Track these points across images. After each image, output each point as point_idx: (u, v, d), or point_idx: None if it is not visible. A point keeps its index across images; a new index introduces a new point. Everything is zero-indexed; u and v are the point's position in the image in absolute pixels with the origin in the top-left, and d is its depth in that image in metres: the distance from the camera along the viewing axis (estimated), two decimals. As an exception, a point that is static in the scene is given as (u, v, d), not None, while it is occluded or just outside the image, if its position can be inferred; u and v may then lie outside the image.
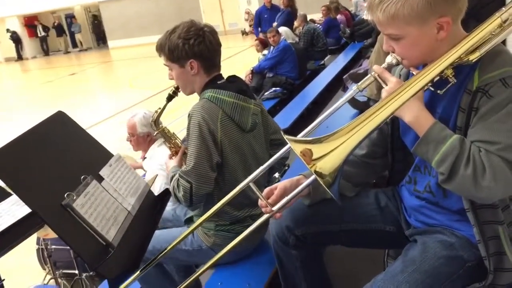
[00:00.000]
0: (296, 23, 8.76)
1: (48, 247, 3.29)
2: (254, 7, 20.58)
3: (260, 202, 1.54)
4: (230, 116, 1.99)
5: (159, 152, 3.05)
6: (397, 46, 1.38)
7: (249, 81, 6.72)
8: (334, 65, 7.88)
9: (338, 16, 10.14)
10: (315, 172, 1.22)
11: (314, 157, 1.23)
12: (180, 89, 2.12)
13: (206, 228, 2.13)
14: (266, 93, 6.53)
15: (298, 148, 1.24)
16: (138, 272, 1.39)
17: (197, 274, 1.63)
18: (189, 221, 2.23)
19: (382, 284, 1.40)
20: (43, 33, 25.33)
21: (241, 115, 2.02)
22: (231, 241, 1.58)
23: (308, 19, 10.22)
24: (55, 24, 25.38)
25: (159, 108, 2.23)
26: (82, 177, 1.34)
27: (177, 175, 1.99)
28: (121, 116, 8.48)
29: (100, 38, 25.05)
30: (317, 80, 7.00)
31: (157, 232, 2.13)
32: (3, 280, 1.28)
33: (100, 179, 1.41)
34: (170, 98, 2.16)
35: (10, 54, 24.83)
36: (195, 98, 2.16)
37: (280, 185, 1.59)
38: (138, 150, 3.25)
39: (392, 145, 1.67)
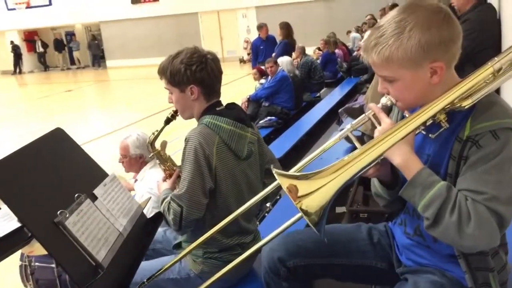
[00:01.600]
0: (294, 55, 8.87)
1: (32, 264, 3.23)
2: (254, 36, 20.85)
3: None
4: (226, 143, 2.00)
5: (150, 175, 3.04)
6: (391, 88, 1.40)
7: (244, 108, 6.76)
8: (330, 98, 7.97)
9: (336, 51, 10.30)
10: (301, 209, 1.22)
11: (300, 194, 1.23)
12: (178, 113, 2.13)
13: (195, 255, 2.11)
14: (261, 122, 6.57)
15: (284, 183, 1.25)
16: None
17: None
18: (178, 246, 2.21)
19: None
20: (41, 49, 25.42)
21: (237, 143, 2.03)
22: (220, 269, 1.57)
23: (315, 47, 10.40)
24: (58, 39, 25.53)
25: (156, 130, 2.24)
26: (76, 195, 1.33)
27: (168, 198, 1.98)
28: (115, 135, 8.45)
29: (98, 58, 24.90)
30: (313, 112, 7.06)
31: (145, 263, 2.10)
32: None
33: (94, 198, 1.41)
34: (168, 121, 2.16)
35: (7, 67, 24.83)
36: (190, 122, 2.17)
37: None
38: (130, 171, 3.24)
39: None
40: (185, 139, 1.98)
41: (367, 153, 1.28)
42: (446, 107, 1.33)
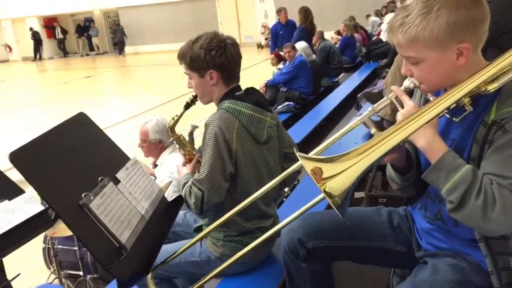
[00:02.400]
0: (313, 40, 8.78)
1: (55, 246, 3.31)
2: (271, 20, 20.74)
3: None
4: (246, 127, 2.01)
5: (170, 160, 3.07)
6: (415, 69, 1.38)
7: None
8: (349, 83, 7.89)
9: (355, 35, 10.17)
10: (325, 191, 1.22)
11: (324, 176, 1.23)
12: (198, 98, 2.14)
13: (215, 238, 2.13)
14: (279, 107, 6.55)
15: (309, 166, 1.24)
16: (150, 274, 1.39)
17: (203, 281, 1.63)
18: (199, 230, 2.24)
19: (391, 304, 1.40)
20: (61, 36, 25.64)
21: (257, 127, 2.04)
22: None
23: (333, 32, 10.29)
24: (80, 24, 25.68)
25: (176, 115, 2.25)
26: (99, 179, 1.36)
27: (189, 182, 2.01)
28: (133, 121, 8.53)
29: (122, 44, 23.85)
30: (331, 97, 7.01)
31: (167, 246, 2.14)
32: (19, 274, 1.30)
33: (117, 181, 1.43)
34: (187, 106, 2.17)
35: (28, 53, 25.14)
36: (210, 107, 2.18)
37: None
38: (149, 156, 3.27)
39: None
40: (205, 124, 1.99)
41: (392, 136, 1.26)
42: (472, 91, 1.31)
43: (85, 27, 26.21)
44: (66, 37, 26.05)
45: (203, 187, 1.94)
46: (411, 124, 1.27)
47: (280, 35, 9.08)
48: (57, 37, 25.81)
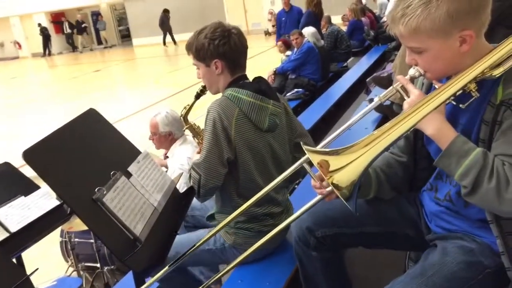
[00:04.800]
0: (321, 25, 8.68)
1: (72, 240, 3.37)
2: (278, 7, 20.58)
3: (312, 183, 1.47)
4: (247, 115, 2.03)
5: (180, 151, 3.10)
6: (420, 59, 1.38)
7: (271, 82, 6.73)
8: (357, 68, 7.84)
9: (363, 18, 10.06)
10: (332, 184, 1.23)
11: (331, 169, 1.24)
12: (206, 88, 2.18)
13: (227, 226, 2.16)
14: (288, 94, 6.54)
15: (315, 159, 1.25)
16: (167, 267, 1.41)
17: (221, 273, 1.65)
18: (211, 218, 2.27)
19: (401, 287, 1.41)
20: (69, 30, 25.63)
21: (258, 115, 2.05)
22: (252, 240, 1.60)
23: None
24: (79, 21, 25.34)
25: (188, 105, 2.29)
26: (111, 173, 1.39)
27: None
28: (145, 113, 8.57)
29: (171, 33, 21.90)
30: (340, 82, 6.98)
31: (181, 236, 2.17)
32: (37, 269, 1.33)
33: (129, 175, 1.46)
34: (198, 96, 2.24)
35: (37, 49, 25.26)
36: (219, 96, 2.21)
37: None
38: (160, 148, 3.31)
39: (415, 154, 1.66)
40: (207, 110, 2.03)
41: (398, 126, 1.27)
42: (477, 76, 1.31)
43: (82, 23, 25.23)
44: (74, 32, 26.01)
45: (200, 171, 1.97)
46: (417, 112, 1.28)
47: (283, 22, 8.99)
48: (65, 32, 25.79)
